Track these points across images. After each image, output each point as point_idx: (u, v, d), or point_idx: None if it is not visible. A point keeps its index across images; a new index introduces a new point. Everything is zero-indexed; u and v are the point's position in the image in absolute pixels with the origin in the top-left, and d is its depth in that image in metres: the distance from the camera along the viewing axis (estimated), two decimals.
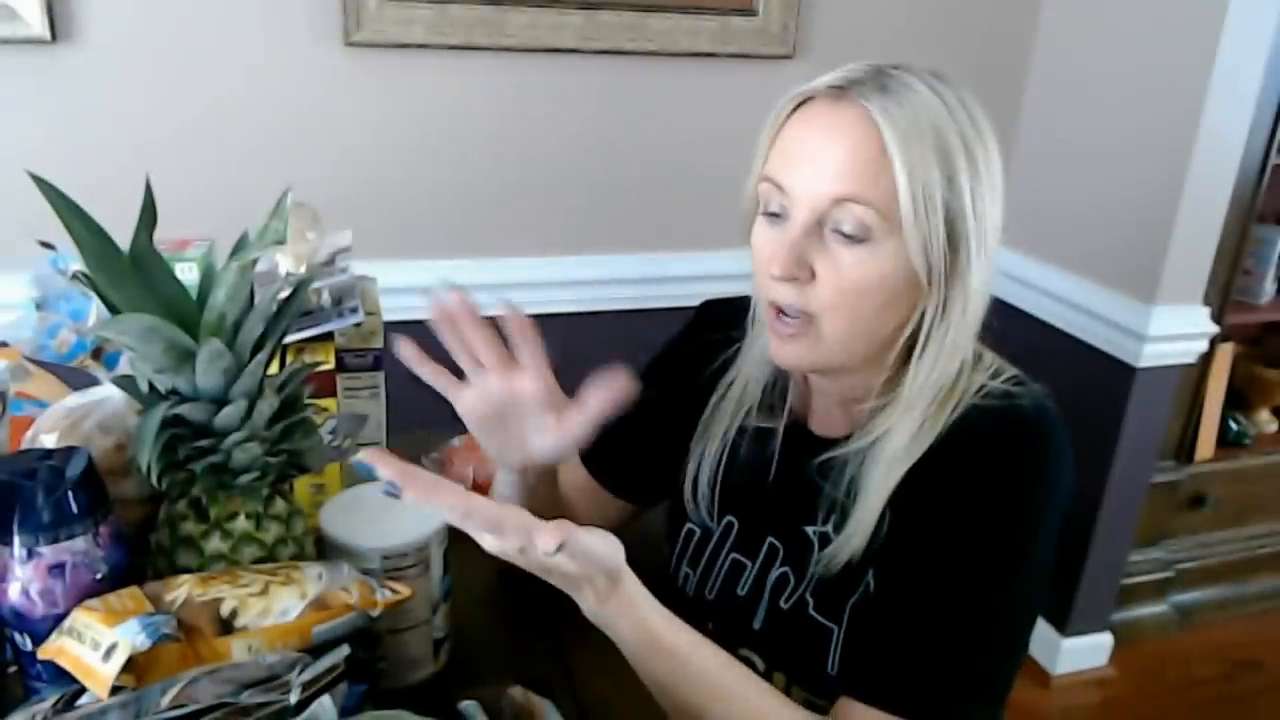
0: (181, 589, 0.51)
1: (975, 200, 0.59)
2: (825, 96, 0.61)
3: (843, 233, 0.59)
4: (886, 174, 0.58)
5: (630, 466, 0.81)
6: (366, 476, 0.52)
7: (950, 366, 0.63)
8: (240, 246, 0.55)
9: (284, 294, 0.57)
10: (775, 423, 0.72)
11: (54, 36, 1.16)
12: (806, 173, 0.60)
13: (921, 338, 0.63)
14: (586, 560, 0.53)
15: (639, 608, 0.57)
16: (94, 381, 0.67)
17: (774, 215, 0.63)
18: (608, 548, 0.54)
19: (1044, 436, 0.62)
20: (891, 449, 0.63)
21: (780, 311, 0.63)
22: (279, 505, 0.59)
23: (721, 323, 0.76)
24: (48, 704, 0.47)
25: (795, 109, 0.62)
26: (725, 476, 0.74)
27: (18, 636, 0.52)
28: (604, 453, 0.81)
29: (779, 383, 0.73)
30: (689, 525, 0.77)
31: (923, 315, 0.62)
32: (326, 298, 0.75)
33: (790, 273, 0.60)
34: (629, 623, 0.57)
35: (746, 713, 0.59)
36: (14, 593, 0.51)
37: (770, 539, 0.72)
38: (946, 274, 0.60)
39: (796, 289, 0.61)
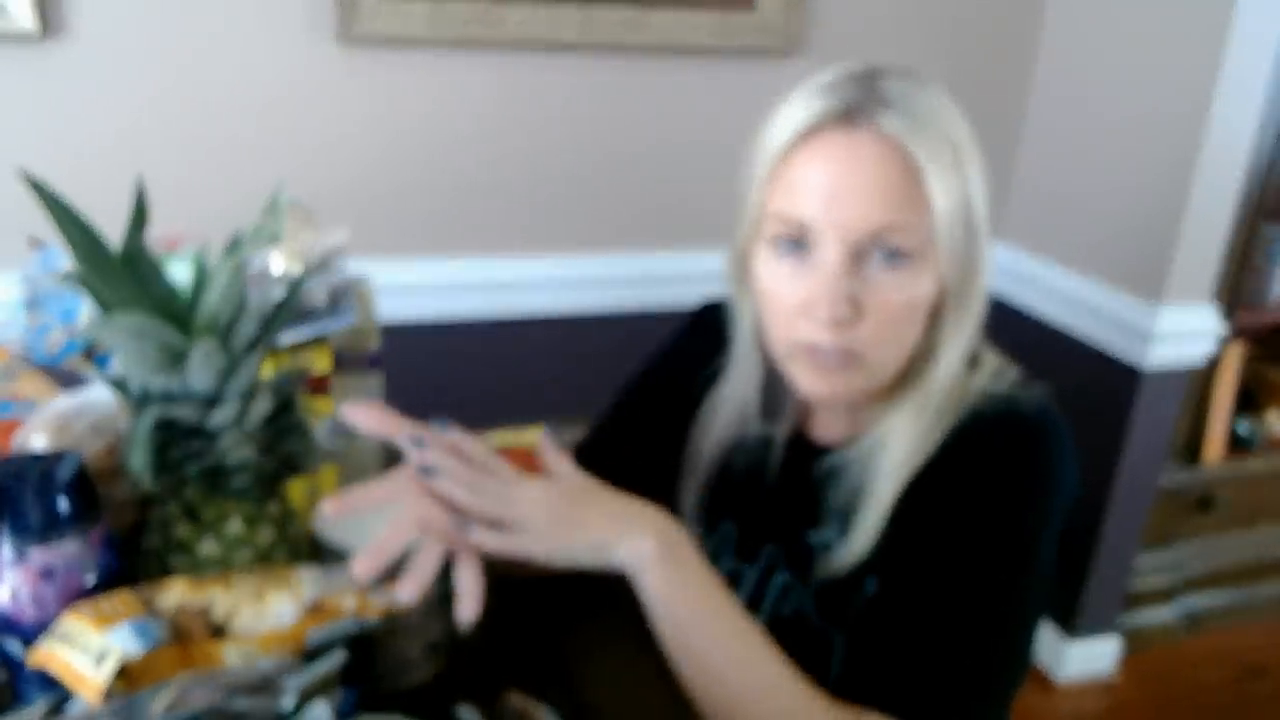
0: (174, 593, 0.50)
1: (980, 195, 0.60)
2: (834, 125, 0.58)
3: (884, 261, 0.58)
4: (920, 193, 0.57)
5: (623, 471, 0.80)
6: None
7: (961, 363, 0.63)
8: (234, 245, 0.55)
9: (278, 294, 0.56)
10: (774, 429, 0.71)
11: (44, 32, 1.16)
12: (835, 207, 0.58)
13: (942, 340, 0.62)
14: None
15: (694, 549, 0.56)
16: (85, 382, 0.66)
17: (794, 252, 0.60)
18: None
19: (1047, 439, 0.61)
20: (898, 451, 0.62)
21: (814, 348, 0.60)
22: (273, 508, 0.58)
23: (718, 326, 0.75)
24: (37, 710, 0.47)
25: (798, 140, 0.59)
26: (723, 483, 0.73)
27: (7, 641, 0.51)
28: (600, 458, 0.80)
29: (776, 388, 0.72)
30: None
31: (939, 316, 0.62)
32: (321, 298, 0.74)
33: (843, 316, 0.58)
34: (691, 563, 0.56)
35: (784, 684, 0.57)
36: (3, 597, 0.50)
37: (770, 545, 0.71)
38: (965, 275, 0.60)
39: (842, 329, 0.59)
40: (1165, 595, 1.82)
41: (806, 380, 0.62)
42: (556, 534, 0.54)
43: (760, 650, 0.57)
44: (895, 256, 0.58)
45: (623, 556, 0.55)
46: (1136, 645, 1.76)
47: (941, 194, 0.57)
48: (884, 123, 0.57)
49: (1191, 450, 1.73)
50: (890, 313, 0.59)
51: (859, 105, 0.58)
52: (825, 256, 0.58)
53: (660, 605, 0.56)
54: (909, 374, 0.64)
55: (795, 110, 0.60)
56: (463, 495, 0.53)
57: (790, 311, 0.60)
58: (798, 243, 0.60)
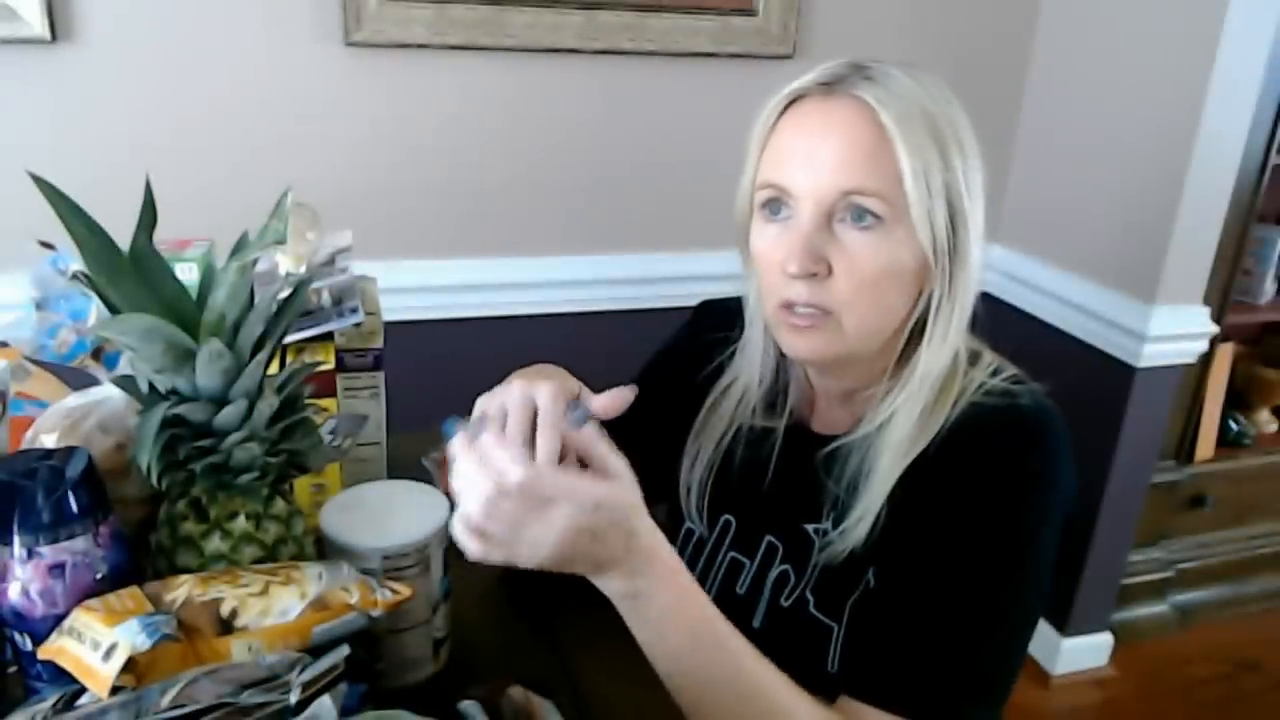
0: (181, 589, 0.51)
1: (968, 180, 0.61)
2: (815, 94, 0.62)
3: (853, 222, 0.60)
4: (889, 160, 0.59)
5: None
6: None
7: (953, 347, 0.64)
8: (240, 246, 0.55)
9: (284, 294, 0.57)
10: (775, 422, 0.72)
11: (54, 36, 1.16)
12: (809, 170, 0.61)
13: (931, 320, 0.63)
14: (588, 503, 0.49)
15: (668, 561, 0.54)
16: (94, 381, 0.67)
17: (777, 216, 0.63)
18: (613, 490, 0.50)
19: (1045, 434, 0.62)
20: (896, 435, 0.63)
21: (792, 306, 0.63)
22: (279, 505, 0.59)
23: (719, 323, 0.76)
24: (48, 704, 0.47)
25: (784, 111, 0.63)
26: (723, 476, 0.74)
27: (18, 636, 0.52)
28: None
29: (779, 382, 0.73)
30: (687, 525, 0.77)
31: (929, 297, 0.63)
32: (326, 298, 0.75)
33: (807, 268, 0.60)
34: (662, 582, 0.54)
35: (764, 691, 0.57)
36: (14, 593, 0.51)
37: (769, 537, 0.72)
38: (951, 254, 0.61)
39: (814, 286, 0.61)
40: (1158, 590, 1.83)
41: (788, 341, 0.65)
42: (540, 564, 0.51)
43: (763, 681, 0.57)
44: (864, 217, 0.60)
45: (601, 585, 0.55)
46: (1129, 640, 1.78)
47: (909, 161, 0.59)
48: (859, 91, 0.60)
49: (1184, 448, 1.75)
50: (860, 273, 0.61)
51: (841, 77, 0.61)
52: (800, 216, 0.61)
53: (642, 635, 0.56)
54: (904, 361, 0.65)
55: (788, 86, 0.63)
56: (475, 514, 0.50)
57: (772, 272, 0.63)
58: (780, 207, 0.63)
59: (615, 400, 0.58)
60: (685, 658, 0.56)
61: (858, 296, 0.61)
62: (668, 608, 0.55)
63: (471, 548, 0.51)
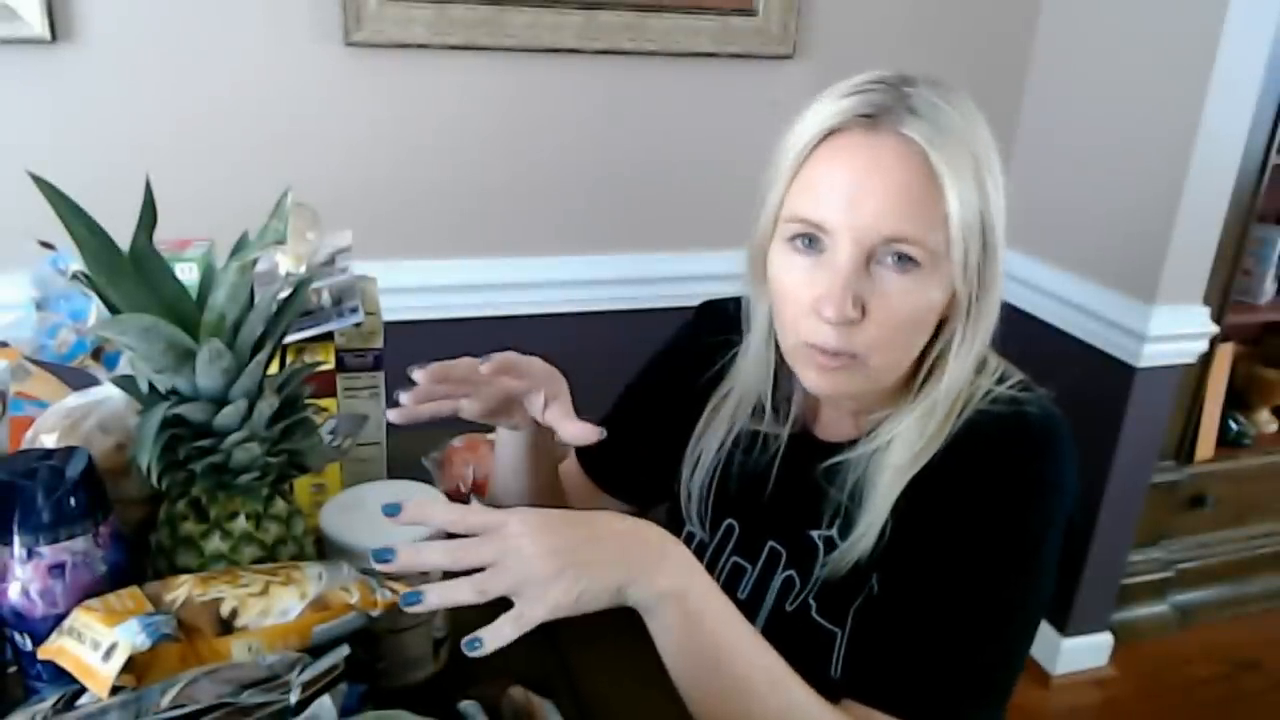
0: (181, 589, 0.51)
1: (998, 207, 0.60)
2: (857, 126, 0.58)
3: (892, 265, 0.58)
4: (938, 206, 0.57)
5: (626, 467, 0.81)
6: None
7: (969, 368, 0.63)
8: (240, 246, 0.55)
9: (284, 294, 0.57)
10: (778, 428, 0.72)
11: (54, 36, 1.16)
12: (852, 210, 0.58)
13: (955, 346, 0.62)
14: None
15: (698, 571, 0.55)
16: (94, 381, 0.67)
17: (808, 250, 0.61)
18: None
19: (1050, 443, 0.62)
20: (902, 452, 0.63)
21: (819, 347, 0.60)
22: (279, 505, 0.59)
23: (721, 324, 0.75)
24: (48, 704, 0.47)
25: (821, 140, 0.60)
26: (724, 481, 0.74)
27: (18, 636, 0.52)
28: (600, 453, 0.81)
29: (781, 388, 0.72)
30: (688, 529, 0.77)
31: (950, 326, 0.62)
32: (326, 298, 0.75)
33: (846, 315, 0.58)
34: (709, 579, 0.55)
35: (792, 693, 0.56)
36: (14, 593, 0.51)
37: (772, 543, 0.72)
38: (979, 287, 0.60)
39: (844, 330, 0.59)
40: (1158, 590, 1.83)
41: (810, 378, 0.63)
42: (561, 587, 0.51)
43: (780, 674, 0.56)
44: (906, 261, 0.58)
45: (638, 597, 0.54)
46: (1129, 640, 1.78)
47: (958, 205, 0.57)
48: (907, 128, 0.57)
49: (1184, 448, 1.75)
50: (895, 317, 0.59)
51: (885, 109, 0.58)
52: (838, 257, 0.59)
53: (678, 638, 0.55)
54: (916, 378, 0.65)
55: (821, 111, 0.60)
56: (450, 563, 0.52)
57: (800, 310, 0.61)
58: (813, 242, 0.60)
59: (585, 431, 0.60)
60: (726, 663, 0.55)
61: (888, 339, 0.60)
62: (718, 606, 0.55)
63: (553, 592, 0.51)
